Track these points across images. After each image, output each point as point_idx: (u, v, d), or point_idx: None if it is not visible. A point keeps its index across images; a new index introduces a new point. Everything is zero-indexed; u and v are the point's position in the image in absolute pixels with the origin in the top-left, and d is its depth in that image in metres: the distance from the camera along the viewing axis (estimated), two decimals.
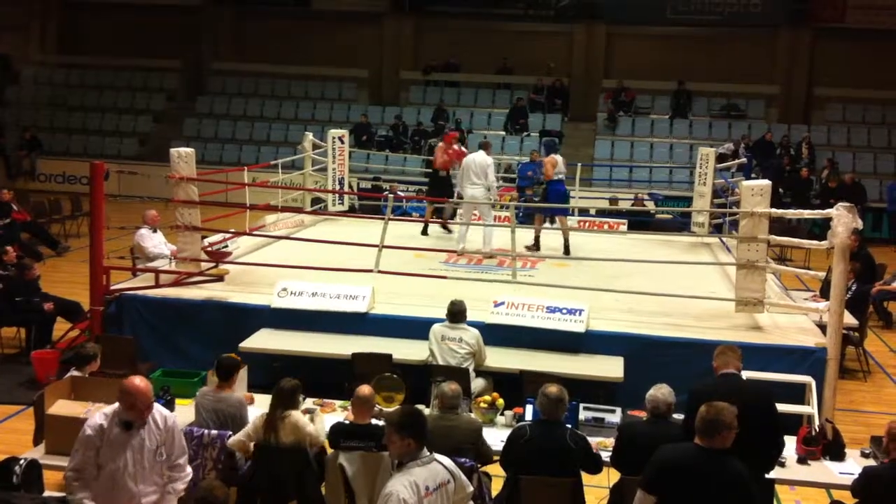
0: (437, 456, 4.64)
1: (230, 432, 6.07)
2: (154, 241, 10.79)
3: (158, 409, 5.29)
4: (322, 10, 25.46)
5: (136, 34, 25.50)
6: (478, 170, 11.98)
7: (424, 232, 12.94)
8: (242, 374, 7.29)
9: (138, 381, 5.19)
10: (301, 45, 25.20)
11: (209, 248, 10.19)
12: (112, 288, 9.47)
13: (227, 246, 10.53)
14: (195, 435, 6.05)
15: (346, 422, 6.05)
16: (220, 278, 9.69)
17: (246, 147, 23.94)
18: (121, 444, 5.09)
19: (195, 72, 26.50)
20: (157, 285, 9.51)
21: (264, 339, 8.66)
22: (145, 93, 25.93)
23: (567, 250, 12.04)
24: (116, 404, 5.18)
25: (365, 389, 5.97)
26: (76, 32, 26.99)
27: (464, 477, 4.73)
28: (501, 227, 12.07)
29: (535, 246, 12.34)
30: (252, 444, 5.91)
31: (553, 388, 5.67)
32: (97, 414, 5.25)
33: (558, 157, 12.42)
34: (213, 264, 9.92)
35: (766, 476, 5.58)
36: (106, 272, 9.45)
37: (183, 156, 9.64)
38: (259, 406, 6.59)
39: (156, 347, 9.06)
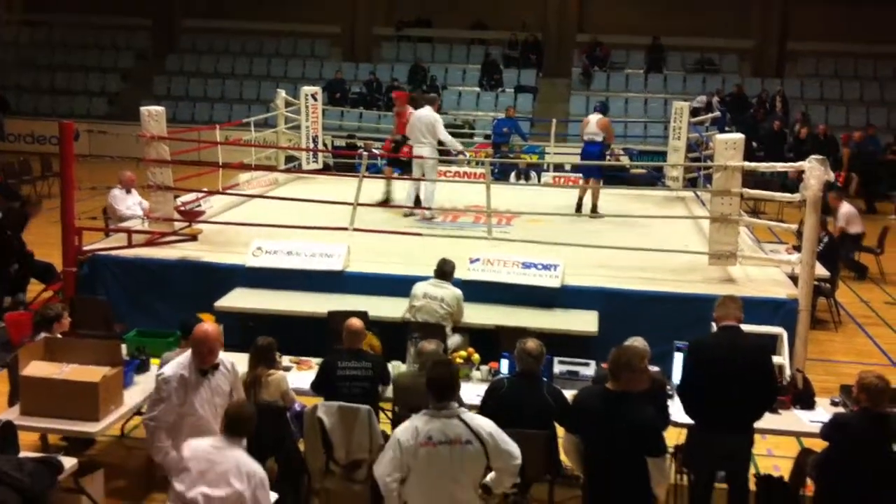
0: (467, 415, 4.57)
1: None
2: (127, 203, 10.69)
3: (221, 354, 5.49)
4: None
5: None
6: (423, 127, 11.46)
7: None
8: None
9: (209, 327, 5.45)
10: (272, 2, 24.81)
11: (182, 208, 10.10)
12: (84, 249, 9.38)
13: (200, 205, 10.45)
14: None
15: (342, 348, 6.23)
16: (193, 238, 9.62)
17: (218, 105, 23.68)
18: (201, 390, 5.29)
19: (165, 29, 26.08)
20: (130, 245, 9.44)
21: (239, 299, 8.62)
22: (114, 51, 25.57)
23: (593, 209, 12.00)
24: (185, 354, 5.38)
25: (356, 321, 6.26)
26: None
27: (508, 446, 4.57)
28: (477, 184, 12.06)
29: (578, 209, 12.14)
30: None
31: (531, 343, 5.72)
32: (172, 364, 5.38)
33: (594, 118, 12.28)
34: (186, 224, 9.85)
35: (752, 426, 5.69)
36: (78, 233, 9.34)
37: (153, 114, 9.51)
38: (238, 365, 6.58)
39: (130, 308, 8.99)
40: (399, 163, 12.29)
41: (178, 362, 5.36)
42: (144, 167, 9.67)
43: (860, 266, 12.90)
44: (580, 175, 15.22)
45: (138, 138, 9.54)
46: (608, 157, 13.49)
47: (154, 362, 6.60)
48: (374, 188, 11.95)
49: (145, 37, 25.95)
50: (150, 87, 24.23)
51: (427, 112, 11.66)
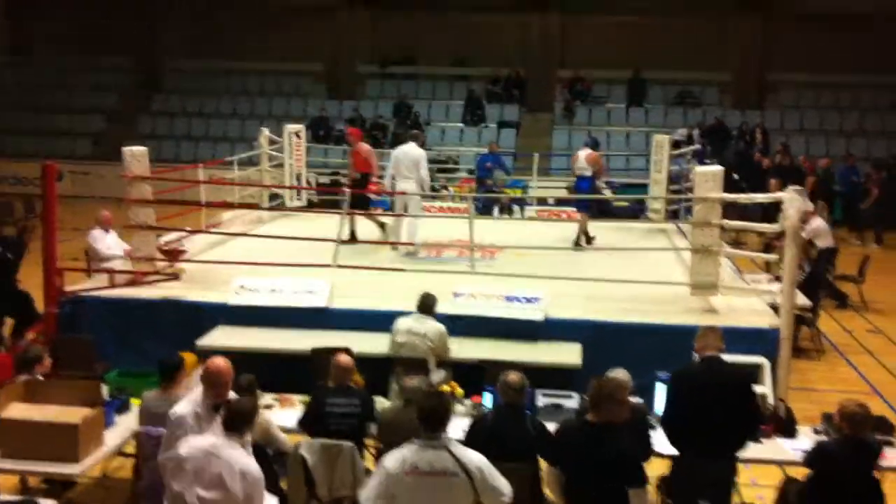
0: (457, 447, 4.59)
1: None
2: (107, 243, 10.65)
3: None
4: (277, 4, 25.27)
5: (88, 32, 25.10)
6: (409, 162, 11.54)
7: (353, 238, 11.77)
8: (199, 372, 7.26)
9: (221, 361, 5.47)
10: (256, 40, 24.97)
11: (164, 247, 10.10)
12: (66, 290, 9.36)
13: (182, 244, 10.45)
14: (152, 435, 6.00)
15: (330, 384, 6.23)
16: (175, 277, 9.63)
17: (202, 144, 23.75)
18: (214, 426, 5.16)
19: (149, 69, 26.20)
20: (112, 286, 9.42)
21: (222, 337, 8.59)
22: (98, 92, 25.60)
23: (576, 242, 12.14)
24: (195, 392, 5.40)
25: (345, 357, 6.28)
26: (25, 31, 26.51)
27: (496, 482, 4.58)
28: (460, 218, 12.10)
29: (586, 240, 12.26)
30: None
31: (513, 376, 5.74)
32: (184, 403, 5.40)
33: (583, 153, 12.54)
34: (168, 263, 9.84)
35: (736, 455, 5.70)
36: (60, 274, 9.32)
37: (136, 154, 9.57)
38: None
39: (112, 348, 8.93)
40: (362, 201, 12.04)
41: (190, 400, 5.36)
42: (126, 207, 9.68)
43: (840, 293, 12.98)
44: (573, 208, 15.36)
45: (121, 178, 9.56)
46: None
47: (135, 402, 6.56)
48: (358, 224, 11.97)
49: (129, 77, 26.05)
50: (135, 126, 24.28)
51: (412, 148, 11.75)
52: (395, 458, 4.56)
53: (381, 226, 12.13)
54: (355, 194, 11.68)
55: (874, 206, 18.44)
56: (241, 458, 4.71)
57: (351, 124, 22.73)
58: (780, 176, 16.14)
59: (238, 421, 4.79)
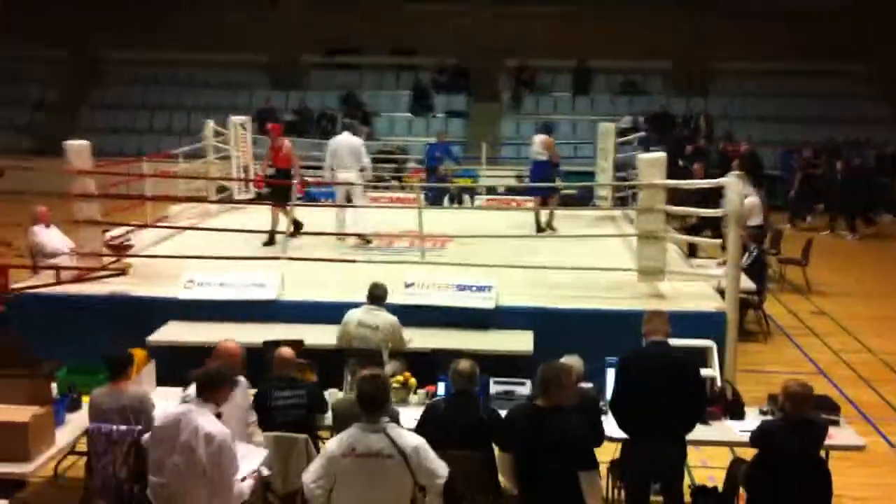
0: (395, 430, 4.67)
1: (139, 427, 5.98)
2: (48, 237, 10.48)
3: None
4: None
5: (25, 23, 24.52)
6: (349, 152, 11.58)
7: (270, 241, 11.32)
8: (150, 368, 7.21)
9: (230, 343, 5.76)
10: (200, 31, 24.59)
11: (111, 242, 9.96)
12: (11, 287, 9.18)
13: (129, 239, 10.31)
14: (103, 431, 5.93)
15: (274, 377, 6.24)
16: (123, 272, 9.50)
17: (146, 137, 23.39)
18: (226, 406, 5.23)
19: (91, 62, 25.71)
20: (59, 282, 9.27)
21: (172, 332, 8.52)
22: (38, 85, 25.04)
23: (546, 226, 12.47)
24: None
25: (286, 350, 6.32)
26: None
27: (431, 464, 4.65)
28: (410, 209, 12.12)
29: (546, 226, 12.51)
30: None
31: (464, 364, 5.77)
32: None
33: (538, 138, 12.85)
34: (115, 258, 9.71)
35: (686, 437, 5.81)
36: (4, 271, 9.15)
37: (77, 148, 9.43)
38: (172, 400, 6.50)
39: (61, 345, 8.76)
40: (279, 195, 11.67)
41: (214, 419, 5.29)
42: (70, 202, 9.52)
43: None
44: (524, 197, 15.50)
45: (64, 173, 9.39)
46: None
47: (85, 399, 6.48)
48: (308, 216, 11.91)
49: (70, 70, 25.52)
50: (77, 120, 23.82)
51: (349, 137, 11.78)
52: (335, 441, 4.69)
53: (297, 225, 11.52)
54: (277, 189, 11.57)
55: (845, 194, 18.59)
56: (207, 424, 4.81)
57: (297, 115, 22.66)
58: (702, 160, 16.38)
59: (208, 387, 4.92)
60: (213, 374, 5.06)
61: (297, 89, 24.76)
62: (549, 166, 12.87)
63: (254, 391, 6.19)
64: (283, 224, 11.27)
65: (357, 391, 4.78)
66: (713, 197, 12.19)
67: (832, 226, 18.27)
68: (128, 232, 10.53)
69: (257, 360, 7.64)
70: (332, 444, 4.69)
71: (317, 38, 25.24)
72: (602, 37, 23.52)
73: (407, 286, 8.92)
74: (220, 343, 6.12)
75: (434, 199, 15.57)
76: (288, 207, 11.41)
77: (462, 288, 8.89)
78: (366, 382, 4.80)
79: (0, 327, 8.92)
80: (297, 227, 11.47)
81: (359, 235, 11.49)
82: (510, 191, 16.41)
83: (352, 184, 11.59)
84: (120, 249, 9.97)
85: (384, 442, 4.58)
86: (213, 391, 4.99)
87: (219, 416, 5.06)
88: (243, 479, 5.07)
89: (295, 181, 11.70)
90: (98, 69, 25.79)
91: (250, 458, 5.37)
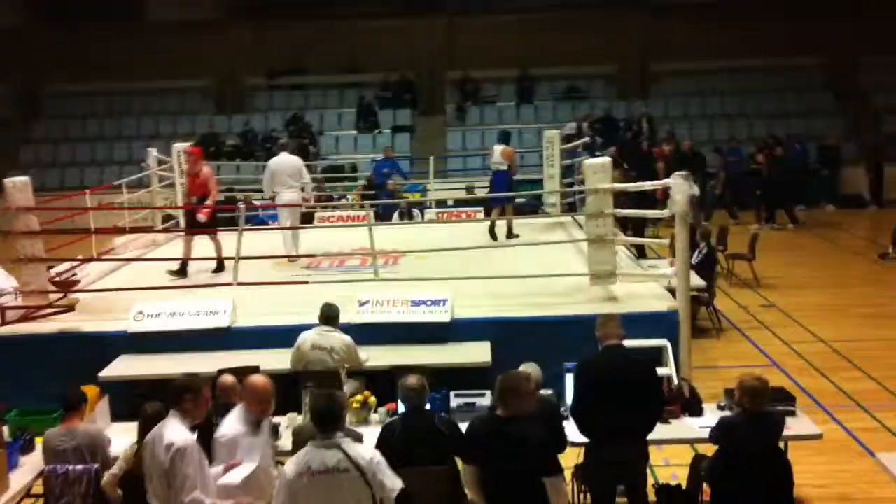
0: (349, 444, 4.63)
1: (96, 465, 5.86)
2: None
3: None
4: (157, 20, 24.68)
5: None
6: (291, 172, 11.65)
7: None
8: (103, 405, 7.08)
9: (258, 377, 5.61)
10: (138, 59, 24.24)
11: (56, 278, 9.78)
12: None
13: (75, 274, 10.13)
14: (59, 472, 5.81)
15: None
16: (70, 308, 9.32)
17: (88, 169, 23.05)
18: (255, 442, 5.31)
19: (27, 96, 25.28)
20: (4, 322, 9.07)
21: (124, 367, 8.38)
22: None
23: (509, 233, 12.75)
24: (236, 411, 5.43)
25: (227, 377, 6.30)
26: None
27: (383, 477, 4.61)
28: (359, 227, 12.09)
29: (493, 237, 12.68)
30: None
31: (412, 379, 5.76)
32: (227, 425, 5.37)
33: (498, 148, 13.04)
34: (61, 295, 9.52)
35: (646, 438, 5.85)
36: None
37: (18, 185, 9.23)
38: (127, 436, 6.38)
39: (10, 387, 8.59)
40: (200, 224, 11.02)
41: (232, 422, 5.34)
42: (12, 240, 9.32)
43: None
44: (463, 209, 15.54)
45: (3, 211, 9.20)
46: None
47: (38, 440, 6.34)
48: (257, 240, 11.80)
49: (7, 105, 25.07)
50: (16, 156, 23.37)
51: (287, 157, 11.86)
52: (292, 462, 4.65)
53: (219, 263, 10.97)
54: (193, 218, 10.98)
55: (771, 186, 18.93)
56: (170, 432, 4.93)
57: (241, 138, 22.47)
58: (683, 163, 16.52)
59: (176, 395, 5.08)
60: (184, 383, 5.18)
61: (240, 112, 24.58)
62: (510, 175, 13.10)
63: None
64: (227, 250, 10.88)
65: (310, 408, 4.79)
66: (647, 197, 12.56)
67: (759, 218, 18.49)
68: (73, 267, 10.34)
69: (214, 388, 7.59)
70: (290, 467, 4.63)
71: (261, 60, 25.08)
72: (543, 44, 23.72)
73: (361, 304, 8.88)
74: (249, 378, 5.83)
75: (384, 216, 15.54)
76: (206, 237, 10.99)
77: (417, 303, 8.87)
78: (319, 399, 4.80)
79: None
80: (182, 267, 10.87)
81: (300, 256, 11.51)
82: (459, 203, 16.44)
83: (295, 204, 11.60)
84: (66, 285, 9.78)
85: (339, 456, 4.55)
86: (181, 400, 5.08)
87: (194, 428, 5.14)
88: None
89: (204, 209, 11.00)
90: (37, 104, 25.35)
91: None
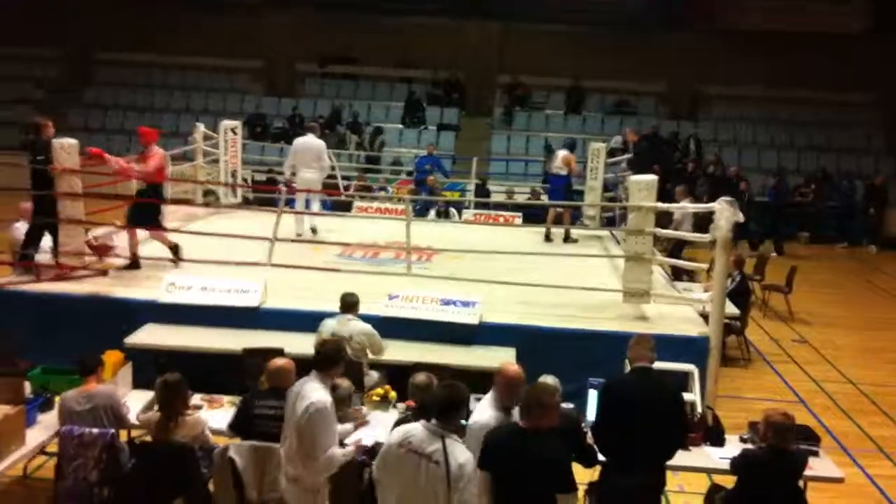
0: (452, 441, 4.69)
1: (112, 430, 5.90)
2: None
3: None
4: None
5: (15, 21, 24.32)
6: (312, 153, 12.02)
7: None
8: (126, 371, 7.13)
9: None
10: (194, 34, 24.49)
11: (93, 242, 9.87)
12: None
13: (112, 240, 10.22)
14: (75, 434, 5.85)
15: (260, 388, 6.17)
16: (104, 272, 9.40)
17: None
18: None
19: (81, 61, 25.58)
20: (38, 280, 9.17)
21: (151, 335, 8.43)
22: (29, 82, 24.89)
23: (565, 238, 13.20)
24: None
25: (285, 362, 6.07)
26: None
27: (466, 485, 4.62)
28: (398, 220, 12.08)
29: (547, 238, 13.16)
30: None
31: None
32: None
33: (560, 154, 13.51)
34: (97, 258, 9.61)
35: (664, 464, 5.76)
36: None
37: (65, 147, 9.33)
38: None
39: (37, 344, 8.69)
40: (143, 219, 9.97)
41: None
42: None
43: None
44: (501, 213, 15.51)
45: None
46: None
47: (57, 400, 6.39)
48: (288, 224, 11.85)
49: (60, 68, 25.39)
50: (66, 119, 23.65)
51: (312, 139, 12.20)
52: (399, 430, 4.88)
53: (174, 249, 10.15)
54: (137, 208, 10.03)
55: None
56: (312, 392, 5.31)
57: (289, 121, 22.57)
58: (714, 185, 16.43)
59: (329, 363, 5.50)
60: (336, 356, 5.55)
61: (290, 96, 24.70)
62: (569, 181, 13.44)
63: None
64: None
65: (435, 394, 4.98)
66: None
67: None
68: (111, 232, 10.43)
69: (236, 366, 7.63)
70: (398, 432, 4.86)
71: (313, 46, 25.18)
72: (597, 57, 23.58)
73: (391, 298, 8.86)
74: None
75: (421, 211, 15.53)
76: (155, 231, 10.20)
77: (447, 302, 8.83)
78: (444, 388, 4.93)
79: None
80: (175, 252, 10.13)
81: (312, 230, 11.96)
82: (498, 206, 16.38)
83: (334, 193, 11.81)
84: (102, 250, 9.87)
85: (438, 446, 4.64)
86: (333, 369, 5.49)
87: (334, 388, 5.58)
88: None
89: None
90: (90, 69, 25.65)
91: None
